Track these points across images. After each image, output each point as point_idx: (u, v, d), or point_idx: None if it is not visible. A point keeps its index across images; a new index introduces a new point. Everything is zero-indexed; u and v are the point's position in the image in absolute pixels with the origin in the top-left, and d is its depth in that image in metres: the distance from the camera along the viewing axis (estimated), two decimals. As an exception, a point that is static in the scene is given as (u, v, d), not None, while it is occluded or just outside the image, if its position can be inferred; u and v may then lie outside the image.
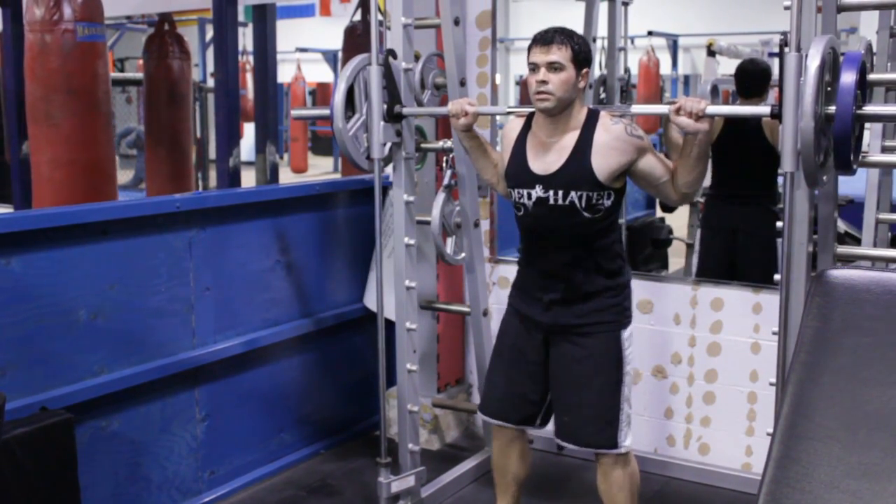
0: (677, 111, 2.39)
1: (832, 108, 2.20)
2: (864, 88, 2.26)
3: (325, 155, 16.92)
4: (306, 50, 14.83)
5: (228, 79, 4.70)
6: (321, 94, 17.20)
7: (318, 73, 15.85)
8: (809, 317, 1.81)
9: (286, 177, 13.12)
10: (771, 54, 8.74)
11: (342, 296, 3.86)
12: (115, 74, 11.53)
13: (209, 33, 11.05)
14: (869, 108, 2.25)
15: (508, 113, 2.84)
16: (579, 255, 2.64)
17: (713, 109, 2.41)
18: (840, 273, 1.84)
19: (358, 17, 5.94)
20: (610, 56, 4.60)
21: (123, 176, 9.99)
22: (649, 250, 5.82)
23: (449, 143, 3.35)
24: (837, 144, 2.20)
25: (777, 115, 2.30)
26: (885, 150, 3.77)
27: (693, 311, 3.54)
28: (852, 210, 4.14)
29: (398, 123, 3.05)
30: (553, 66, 2.52)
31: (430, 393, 3.93)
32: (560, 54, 2.52)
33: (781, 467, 1.60)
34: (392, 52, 3.03)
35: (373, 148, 3.01)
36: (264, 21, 5.67)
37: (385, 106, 2.99)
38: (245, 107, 10.50)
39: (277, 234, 3.55)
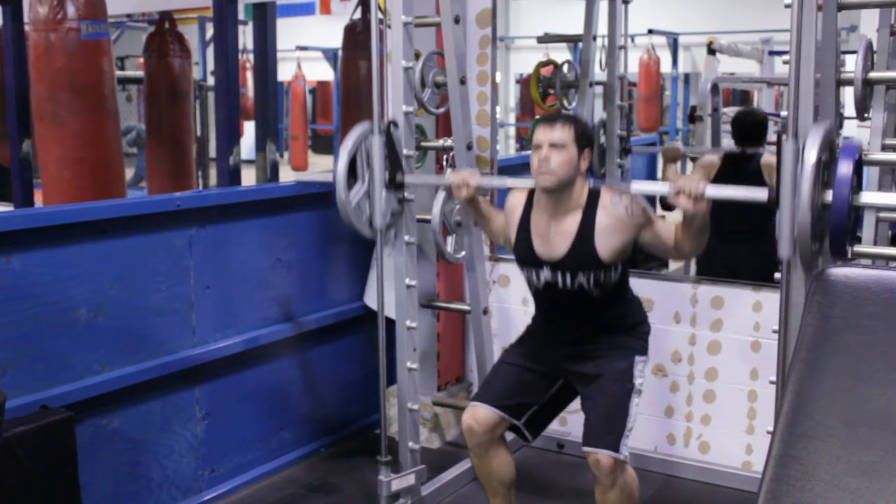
0: (677, 193, 2.44)
1: (829, 197, 2.25)
2: (861, 175, 2.32)
3: (325, 153, 16.91)
4: (306, 48, 14.82)
5: (229, 77, 4.69)
6: (321, 92, 17.20)
7: (319, 71, 15.83)
8: (810, 315, 1.81)
9: (286, 175, 13.10)
10: (772, 52, 8.74)
11: (342, 294, 3.86)
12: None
13: (209, 31, 11.04)
14: (865, 198, 2.31)
15: (510, 187, 2.88)
16: (593, 321, 2.73)
17: (711, 192, 2.44)
18: (840, 271, 1.84)
19: (358, 15, 5.93)
20: (610, 55, 4.59)
21: (123, 174, 9.99)
22: (650, 249, 5.80)
23: (449, 142, 3.35)
24: (833, 233, 2.26)
25: (774, 201, 2.36)
26: (885, 148, 3.77)
27: (693, 309, 3.54)
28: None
29: (400, 191, 3.09)
30: (555, 146, 2.59)
31: (430, 391, 3.93)
32: (563, 134, 2.60)
33: (782, 465, 1.61)
34: (394, 123, 3.07)
35: (375, 217, 3.05)
36: (264, 19, 5.66)
37: (387, 174, 3.03)
38: (245, 105, 10.50)
39: (278, 232, 3.55)
